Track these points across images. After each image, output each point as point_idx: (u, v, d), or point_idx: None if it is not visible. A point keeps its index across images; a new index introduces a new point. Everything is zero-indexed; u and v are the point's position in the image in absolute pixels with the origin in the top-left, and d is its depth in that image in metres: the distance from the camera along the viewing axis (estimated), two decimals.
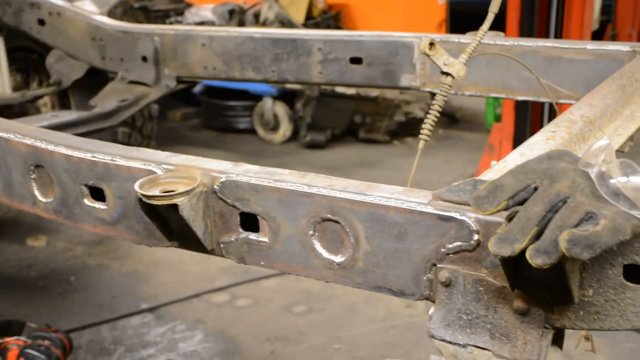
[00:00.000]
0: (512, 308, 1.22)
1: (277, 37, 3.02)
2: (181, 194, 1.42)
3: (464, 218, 1.23)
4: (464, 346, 1.28)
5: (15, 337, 3.16)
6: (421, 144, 1.86)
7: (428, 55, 1.81)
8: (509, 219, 1.10)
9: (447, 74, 1.82)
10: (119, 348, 3.27)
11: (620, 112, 1.66)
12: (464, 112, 6.82)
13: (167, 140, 6.41)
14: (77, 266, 4.10)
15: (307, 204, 1.39)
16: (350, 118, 6.04)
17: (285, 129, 6.33)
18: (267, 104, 6.30)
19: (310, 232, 1.40)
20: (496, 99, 5.09)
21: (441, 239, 1.27)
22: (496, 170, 1.32)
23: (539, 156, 1.13)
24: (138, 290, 3.82)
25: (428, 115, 1.84)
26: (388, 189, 1.34)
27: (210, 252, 1.54)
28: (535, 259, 1.01)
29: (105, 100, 3.12)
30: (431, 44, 1.81)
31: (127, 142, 4.14)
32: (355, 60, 2.90)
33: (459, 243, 1.25)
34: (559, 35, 4.31)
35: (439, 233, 1.27)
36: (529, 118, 4.48)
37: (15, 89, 3.94)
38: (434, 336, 1.31)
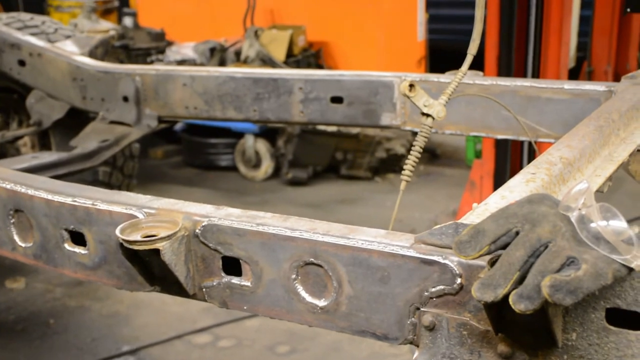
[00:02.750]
0: (497, 352, 1.22)
1: (258, 76, 3.04)
2: (163, 238, 1.42)
3: (446, 262, 1.23)
4: None
5: None
6: (403, 184, 1.87)
7: (408, 97, 1.83)
8: (491, 263, 1.10)
9: (428, 115, 1.83)
10: None
11: (598, 153, 1.68)
12: (445, 148, 6.86)
13: (148, 179, 6.38)
14: (57, 308, 4.05)
15: (289, 248, 1.39)
16: (332, 155, 6.05)
17: (267, 166, 6.34)
18: (249, 141, 6.31)
19: (293, 276, 1.40)
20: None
21: (424, 283, 1.27)
22: (477, 214, 1.33)
23: (519, 200, 1.13)
24: (119, 332, 3.77)
25: (409, 156, 1.85)
26: (370, 232, 1.34)
27: (193, 296, 1.53)
28: (518, 305, 1.01)
29: (86, 141, 3.11)
30: (411, 86, 1.83)
31: (108, 182, 4.12)
32: (336, 100, 2.92)
33: (442, 287, 1.25)
34: (536, 73, 4.37)
35: (422, 277, 1.27)
36: (509, 154, 4.52)
37: None
38: None
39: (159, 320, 3.84)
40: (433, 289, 1.26)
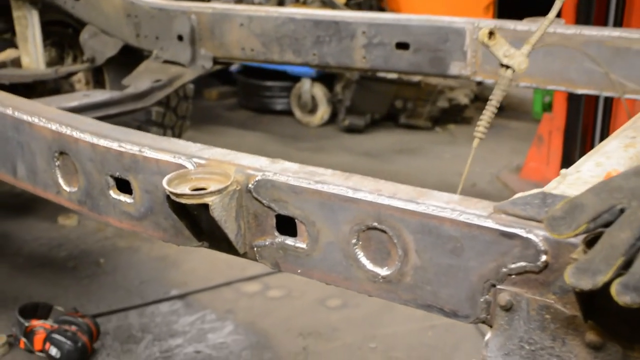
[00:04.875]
0: (584, 341, 1.07)
1: (319, 18, 2.87)
2: (212, 192, 1.29)
3: (530, 236, 1.08)
4: None
5: (42, 321, 3.08)
6: (475, 141, 1.71)
7: (487, 46, 1.65)
8: (587, 242, 0.95)
9: (508, 66, 1.65)
10: (146, 336, 3.17)
11: None
12: (510, 99, 6.58)
13: (202, 120, 6.29)
14: (107, 248, 4.00)
15: (351, 210, 1.25)
16: (391, 103, 5.85)
17: (323, 112, 6.18)
18: (306, 85, 6.15)
19: (354, 241, 1.26)
20: None
21: (502, 258, 1.12)
22: (569, 182, 1.16)
23: (625, 171, 0.97)
24: (167, 275, 3.71)
25: (485, 111, 1.68)
26: (443, 197, 1.20)
27: (243, 255, 1.42)
28: (622, 297, 0.86)
29: (139, 80, 3.00)
30: (490, 33, 1.65)
31: (162, 122, 4.02)
32: (402, 46, 2.74)
33: (523, 263, 1.10)
34: (619, 20, 4.07)
35: (501, 251, 1.12)
36: (582, 109, 4.27)
37: (50, 64, 3.84)
38: None
39: (208, 266, 3.77)
40: (513, 265, 1.11)
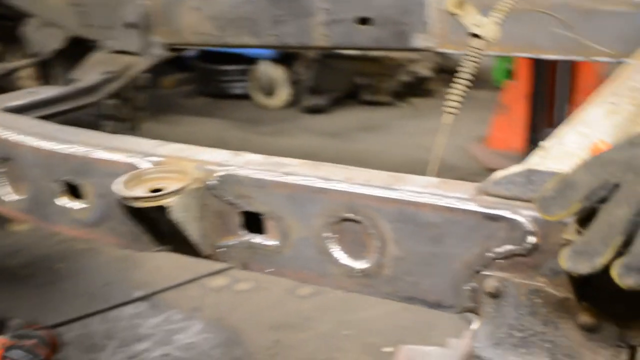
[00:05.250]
0: (578, 323, 1.01)
1: None
2: (170, 193, 1.20)
3: (516, 217, 1.01)
4: None
5: None
6: (447, 117, 1.63)
7: (456, 15, 1.57)
8: (580, 220, 0.87)
9: (478, 36, 1.57)
10: (111, 342, 3.04)
11: None
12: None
13: (159, 110, 6.12)
14: (65, 252, 3.83)
15: (322, 202, 1.17)
16: (352, 80, 5.76)
17: (283, 94, 6.06)
18: (264, 67, 6.02)
19: (327, 234, 1.18)
20: None
21: (487, 242, 1.05)
22: (553, 156, 1.08)
23: (618, 143, 0.90)
24: (131, 276, 3.57)
25: (455, 85, 1.61)
26: (420, 181, 1.12)
27: (208, 257, 1.33)
28: (625, 279, 0.79)
29: (88, 73, 2.85)
30: (459, 2, 1.56)
31: (116, 116, 3.88)
32: (364, 21, 2.64)
33: (510, 247, 1.03)
34: None
35: (485, 235, 1.05)
36: (546, 76, 4.23)
37: None
38: (480, 356, 1.10)
39: (173, 263, 3.64)
40: (499, 249, 1.04)
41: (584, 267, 0.82)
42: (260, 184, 1.21)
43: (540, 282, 1.02)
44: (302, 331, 3.07)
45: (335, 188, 1.15)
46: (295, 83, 5.96)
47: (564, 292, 1.01)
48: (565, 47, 2.22)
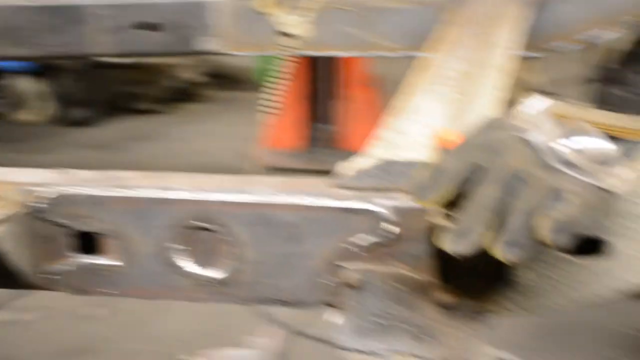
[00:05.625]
0: (439, 303, 1.06)
1: (46, 4, 2.58)
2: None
3: (376, 208, 1.03)
4: (382, 355, 1.10)
5: None
6: (264, 117, 1.62)
7: (267, 15, 1.57)
8: (447, 205, 0.91)
9: (291, 35, 1.58)
10: None
11: (481, 62, 1.53)
12: (233, 70, 6.56)
13: None
14: None
15: (169, 213, 1.11)
16: (120, 89, 5.56)
17: (42, 108, 5.69)
18: (17, 81, 5.61)
19: (177, 247, 1.12)
20: None
21: (348, 236, 1.06)
22: (402, 147, 1.12)
23: (477, 128, 0.95)
24: None
25: (270, 84, 1.60)
26: (272, 182, 1.10)
27: (35, 287, 1.20)
28: (508, 254, 0.84)
29: None
30: (268, 3, 1.57)
31: None
32: (146, 27, 2.55)
33: (371, 238, 1.05)
34: None
35: (345, 229, 1.06)
36: (319, 75, 4.38)
37: None
38: (345, 348, 1.11)
39: None
40: (359, 242, 1.06)
41: (466, 248, 0.86)
42: (96, 201, 1.12)
43: (401, 269, 1.06)
44: (102, 352, 2.91)
45: (183, 197, 1.10)
46: (59, 96, 5.61)
47: (424, 275, 1.05)
48: (355, 45, 2.31)
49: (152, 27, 2.54)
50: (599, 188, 0.88)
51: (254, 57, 5.73)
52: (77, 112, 5.51)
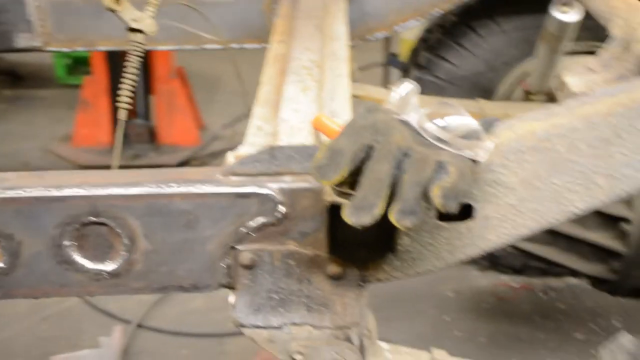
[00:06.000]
0: (327, 275, 1.16)
1: None
2: None
3: (265, 191, 1.11)
4: (279, 327, 1.18)
5: None
6: (122, 113, 1.63)
7: (114, 11, 1.57)
8: (341, 183, 1.01)
9: (138, 30, 1.60)
10: None
11: (325, 53, 1.64)
12: (27, 67, 6.23)
13: None
14: None
15: (58, 210, 1.12)
16: None
17: None
18: None
19: (66, 243, 1.13)
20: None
21: (240, 219, 1.13)
22: (284, 132, 1.20)
23: (359, 112, 1.05)
24: None
25: (124, 80, 1.62)
26: (166, 173, 1.14)
27: None
28: (403, 221, 0.94)
29: None
30: None
31: None
32: None
33: (261, 219, 1.13)
34: None
35: (238, 212, 1.13)
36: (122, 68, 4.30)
37: None
38: (243, 325, 1.18)
39: None
40: (251, 223, 1.13)
41: (366, 219, 0.95)
42: None
43: (291, 246, 1.14)
44: None
45: (74, 194, 1.11)
46: None
47: (312, 250, 1.14)
48: (178, 38, 2.35)
49: None
50: (468, 158, 1.02)
51: (52, 54, 5.53)
52: None
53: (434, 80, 2.67)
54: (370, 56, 4.61)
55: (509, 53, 2.64)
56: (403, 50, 4.22)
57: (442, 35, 2.66)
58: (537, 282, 3.32)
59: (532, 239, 3.05)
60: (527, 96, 2.61)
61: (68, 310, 3.07)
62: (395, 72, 4.44)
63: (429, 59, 2.68)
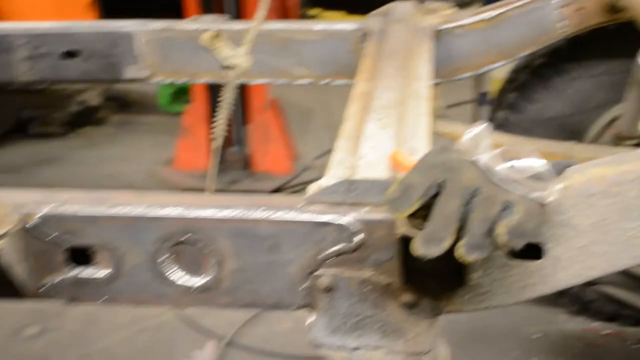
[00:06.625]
0: (400, 303, 1.22)
1: None
2: None
3: (343, 220, 1.19)
4: (355, 349, 1.26)
5: None
6: (217, 142, 1.76)
7: (211, 49, 1.71)
8: (411, 216, 1.08)
9: (232, 67, 1.73)
10: None
11: (408, 92, 1.72)
12: (134, 95, 6.57)
13: None
14: None
15: (157, 229, 1.23)
16: (18, 114, 5.48)
17: None
18: None
19: (163, 258, 1.25)
20: None
21: (319, 245, 1.22)
22: (362, 167, 1.29)
23: (431, 150, 1.13)
24: None
25: (220, 111, 1.75)
26: (255, 200, 1.24)
27: (32, 297, 1.30)
28: (469, 255, 1.01)
29: None
30: (214, 36, 1.71)
31: None
32: (70, 54, 2.63)
33: (339, 246, 1.21)
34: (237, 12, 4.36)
35: (317, 239, 1.21)
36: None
37: None
38: (321, 345, 1.26)
39: None
40: (329, 250, 1.22)
41: (434, 251, 1.02)
42: (88, 219, 1.23)
43: (366, 273, 1.22)
44: None
45: (171, 215, 1.22)
46: None
47: (387, 278, 1.21)
48: (271, 73, 2.49)
49: (78, 55, 2.63)
50: (535, 199, 1.08)
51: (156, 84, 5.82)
52: None
53: (521, 121, 2.70)
54: (460, 94, 4.66)
55: (598, 96, 2.65)
56: (493, 89, 4.25)
57: (529, 76, 2.70)
58: (629, 331, 3.24)
59: (626, 286, 3.01)
60: (618, 140, 2.61)
61: (164, 324, 3.24)
62: (485, 110, 4.48)
63: (516, 99, 2.72)
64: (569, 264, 1.19)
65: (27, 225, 1.23)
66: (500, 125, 2.79)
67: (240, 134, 4.73)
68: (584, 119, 2.67)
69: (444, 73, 2.40)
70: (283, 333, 3.21)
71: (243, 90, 4.54)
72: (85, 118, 5.81)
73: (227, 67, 1.75)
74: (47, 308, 3.31)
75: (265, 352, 3.10)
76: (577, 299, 3.17)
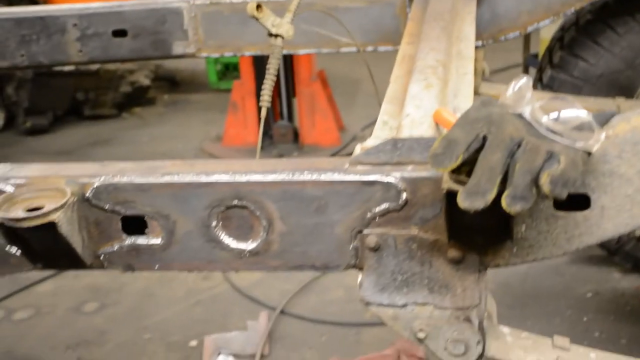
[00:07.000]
0: (447, 259, 1.23)
1: (20, 16, 2.67)
2: (55, 209, 1.21)
3: (389, 179, 1.20)
4: (403, 306, 1.27)
5: None
6: (263, 110, 1.78)
7: (256, 19, 1.73)
8: (456, 171, 1.09)
9: (278, 35, 1.75)
10: None
11: (451, 53, 1.72)
12: (183, 73, 6.67)
13: None
14: None
15: (207, 195, 1.27)
16: (72, 96, 5.61)
17: None
18: None
19: (214, 224, 1.28)
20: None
21: (366, 205, 1.23)
22: (407, 126, 1.30)
23: (473, 105, 1.13)
24: None
25: (266, 81, 1.76)
26: (298, 163, 1.26)
27: (90, 267, 1.35)
28: (513, 206, 1.01)
29: None
30: (258, 6, 1.73)
31: None
32: (119, 33, 2.67)
33: (385, 205, 1.22)
34: None
35: (364, 199, 1.23)
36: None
37: None
38: (370, 303, 1.28)
39: None
40: (376, 209, 1.23)
41: (479, 203, 1.03)
42: (141, 188, 1.27)
43: (413, 231, 1.23)
44: (101, 345, 3.03)
45: (220, 180, 1.25)
46: (9, 105, 5.63)
47: (433, 235, 1.22)
48: (316, 42, 2.50)
49: (127, 33, 2.67)
50: (579, 149, 1.08)
51: (205, 60, 5.89)
52: (32, 120, 5.54)
53: (570, 79, 2.66)
54: (511, 56, 4.61)
55: None
56: (542, 50, 4.19)
57: (577, 34, 2.65)
58: None
59: None
60: None
61: (218, 295, 3.31)
62: (534, 72, 4.41)
63: (564, 57, 2.68)
64: (615, 213, 1.18)
65: (84, 196, 1.28)
66: (548, 85, 2.75)
67: (288, 108, 4.76)
68: (634, 75, 2.62)
69: (489, 34, 2.38)
70: (333, 302, 3.25)
71: (290, 64, 4.56)
72: (136, 98, 5.92)
73: (274, 35, 1.75)
74: (105, 284, 3.42)
75: (317, 321, 3.15)
76: (630, 257, 3.13)
